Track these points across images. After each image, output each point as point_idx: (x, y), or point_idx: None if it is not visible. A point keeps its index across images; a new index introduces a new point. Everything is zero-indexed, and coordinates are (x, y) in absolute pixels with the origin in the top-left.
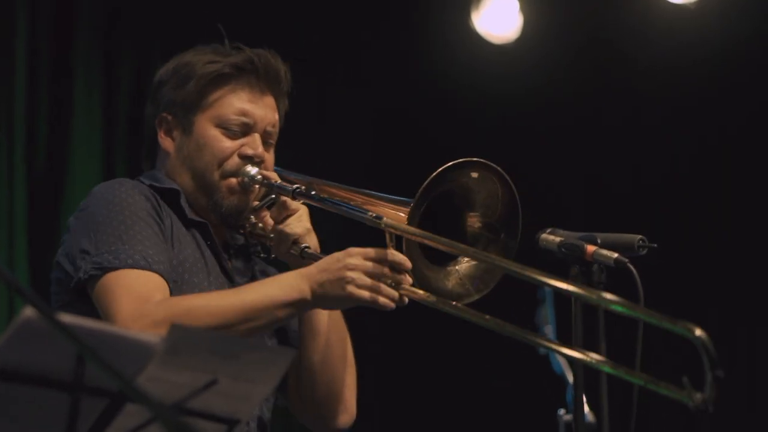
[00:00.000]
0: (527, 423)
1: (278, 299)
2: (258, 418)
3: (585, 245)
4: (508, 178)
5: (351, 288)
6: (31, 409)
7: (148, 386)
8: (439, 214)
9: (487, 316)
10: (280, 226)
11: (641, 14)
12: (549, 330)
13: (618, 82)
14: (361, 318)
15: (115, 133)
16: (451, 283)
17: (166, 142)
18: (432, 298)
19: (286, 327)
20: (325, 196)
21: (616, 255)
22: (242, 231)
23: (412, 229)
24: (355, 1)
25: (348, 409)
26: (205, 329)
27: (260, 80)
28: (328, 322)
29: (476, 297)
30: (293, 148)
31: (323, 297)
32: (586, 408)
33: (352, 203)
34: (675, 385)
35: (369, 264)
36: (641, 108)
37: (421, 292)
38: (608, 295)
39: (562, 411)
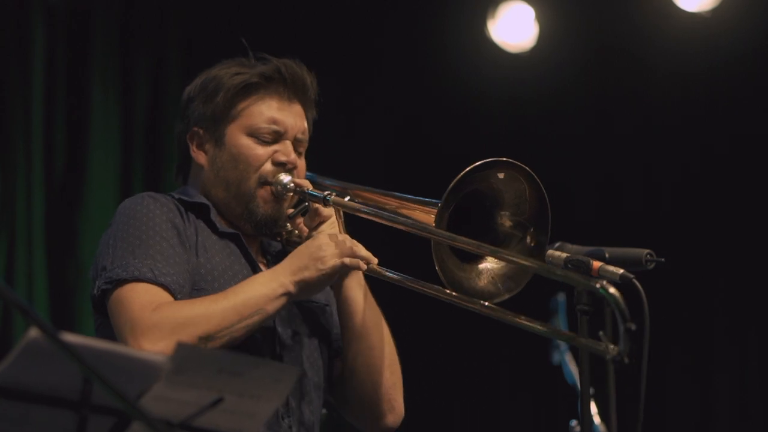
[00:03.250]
0: None
1: (265, 295)
2: (300, 422)
3: (591, 261)
4: (534, 175)
5: (329, 260)
6: (38, 428)
7: (154, 405)
8: (471, 213)
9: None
10: (314, 233)
11: (657, 24)
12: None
13: (633, 90)
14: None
15: (132, 142)
16: (482, 282)
17: (199, 156)
18: (404, 280)
19: (329, 329)
20: (359, 201)
21: (621, 271)
22: (279, 238)
23: (426, 226)
24: (371, 9)
25: (395, 409)
26: (211, 349)
27: (288, 89)
28: (368, 323)
29: (506, 297)
30: (310, 155)
31: (303, 281)
32: (597, 419)
33: (387, 207)
34: (594, 340)
35: (338, 240)
36: (654, 116)
37: (382, 270)
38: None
39: (574, 422)
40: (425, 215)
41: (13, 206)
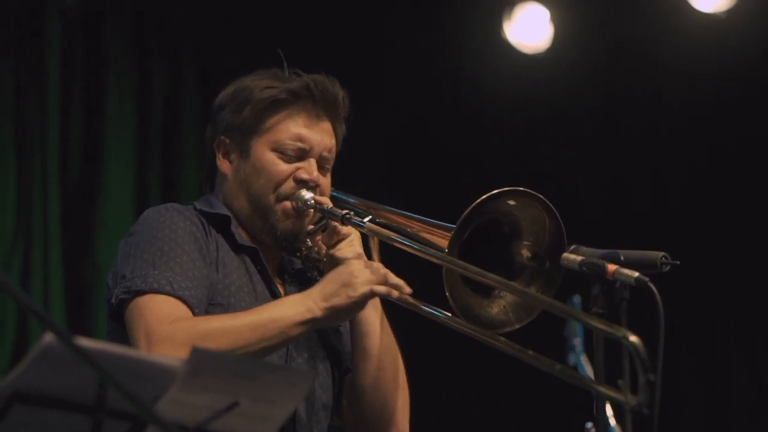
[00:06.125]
0: None
1: (290, 319)
2: None
3: (606, 264)
4: (551, 206)
5: (359, 287)
6: None
7: (169, 409)
8: (489, 240)
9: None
10: (332, 251)
11: (672, 24)
12: (578, 342)
13: (643, 91)
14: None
15: (148, 145)
16: (494, 310)
17: (224, 165)
18: (421, 305)
19: (340, 350)
20: (382, 221)
21: (636, 274)
22: (298, 255)
23: (436, 252)
24: (386, 9)
25: (400, 431)
26: (225, 352)
27: (317, 106)
28: (380, 345)
29: (516, 326)
30: None
31: (333, 308)
32: (613, 421)
33: (408, 230)
34: (613, 388)
35: (371, 267)
36: (662, 116)
37: (413, 300)
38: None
39: (590, 425)
40: (445, 240)
41: (29, 207)
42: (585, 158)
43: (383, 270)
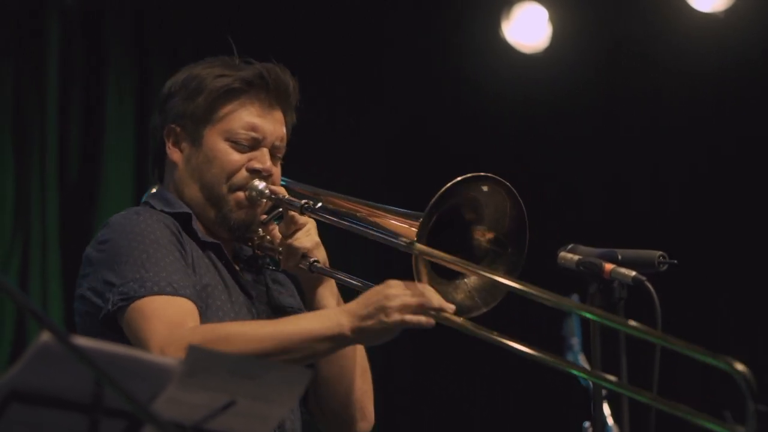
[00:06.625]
0: None
1: (317, 333)
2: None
3: (603, 263)
4: (516, 192)
5: (392, 314)
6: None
7: (166, 408)
8: (447, 226)
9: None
10: (289, 241)
11: (671, 24)
12: (575, 342)
13: (642, 91)
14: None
15: (147, 143)
16: (459, 296)
17: (174, 154)
18: (468, 325)
19: None
20: (332, 207)
21: (633, 273)
22: (250, 243)
23: (424, 248)
24: (386, 9)
25: (366, 416)
26: (223, 351)
27: (270, 95)
28: None
29: (485, 310)
30: (321, 157)
31: (364, 330)
32: (611, 420)
33: (358, 215)
34: (717, 418)
35: (409, 292)
36: (662, 116)
37: (459, 319)
38: (633, 323)
39: (587, 424)
40: (399, 225)
41: (28, 207)
42: (585, 158)
43: (427, 295)
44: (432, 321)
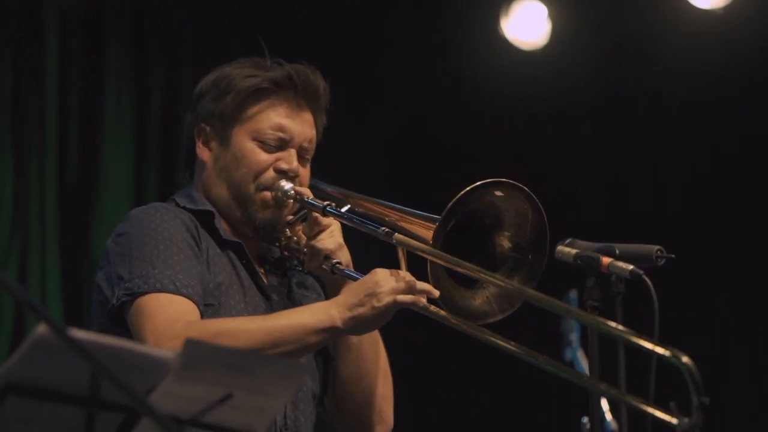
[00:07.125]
0: (551, 431)
1: (309, 326)
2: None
3: (600, 257)
4: (535, 198)
5: (384, 297)
6: (47, 425)
7: (163, 401)
8: (470, 231)
9: (512, 343)
10: (312, 242)
11: (670, 21)
12: (574, 338)
13: (642, 90)
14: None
15: (146, 143)
16: (477, 301)
17: (203, 153)
18: (453, 320)
19: None
20: (361, 210)
21: (631, 267)
22: (277, 244)
23: (423, 246)
24: (386, 9)
25: (385, 420)
26: (220, 345)
27: (298, 96)
28: (363, 335)
29: (500, 317)
30: (321, 156)
31: (356, 318)
32: (609, 416)
33: (386, 219)
34: (663, 409)
35: (396, 276)
36: (662, 116)
37: (441, 312)
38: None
39: (585, 419)
40: (425, 231)
41: (26, 206)
42: (585, 158)
43: (409, 278)
44: (423, 300)
